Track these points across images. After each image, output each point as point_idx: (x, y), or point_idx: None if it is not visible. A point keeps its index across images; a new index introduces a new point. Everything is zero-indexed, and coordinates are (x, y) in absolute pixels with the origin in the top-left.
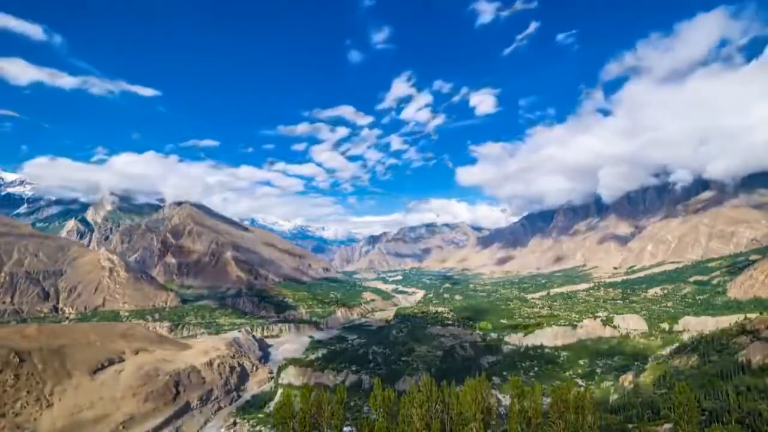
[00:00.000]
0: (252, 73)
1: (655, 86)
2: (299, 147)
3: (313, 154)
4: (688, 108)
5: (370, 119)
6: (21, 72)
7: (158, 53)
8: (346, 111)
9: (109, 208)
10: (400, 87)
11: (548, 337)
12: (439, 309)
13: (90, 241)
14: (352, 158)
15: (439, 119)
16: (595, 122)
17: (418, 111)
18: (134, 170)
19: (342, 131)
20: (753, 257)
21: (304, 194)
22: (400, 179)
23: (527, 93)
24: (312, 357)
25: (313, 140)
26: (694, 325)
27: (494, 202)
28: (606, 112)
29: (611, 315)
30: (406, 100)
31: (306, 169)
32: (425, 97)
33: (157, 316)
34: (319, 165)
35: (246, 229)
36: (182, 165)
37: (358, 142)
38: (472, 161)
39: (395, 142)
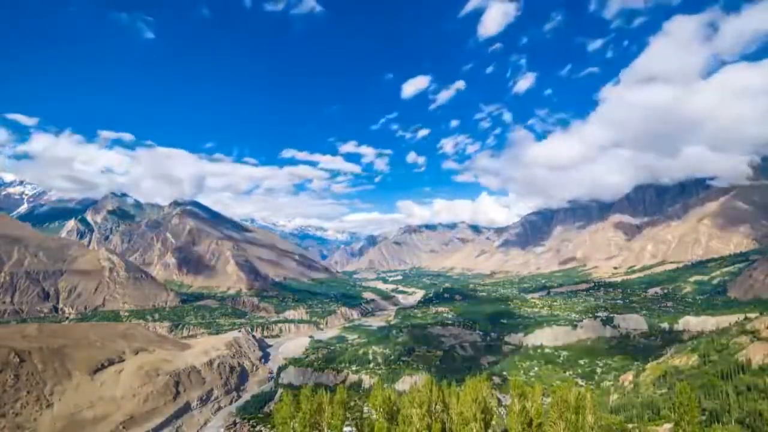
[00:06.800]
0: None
1: None
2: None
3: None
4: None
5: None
6: None
7: None
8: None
9: (109, 207)
10: None
11: (548, 337)
12: (439, 309)
13: (90, 241)
14: (352, 157)
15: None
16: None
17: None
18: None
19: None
20: (753, 257)
21: (306, 194)
22: (400, 179)
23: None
24: (312, 357)
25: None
26: (694, 325)
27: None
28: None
29: (611, 315)
30: None
31: (310, 167)
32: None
33: (157, 316)
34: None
35: (246, 229)
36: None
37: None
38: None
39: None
